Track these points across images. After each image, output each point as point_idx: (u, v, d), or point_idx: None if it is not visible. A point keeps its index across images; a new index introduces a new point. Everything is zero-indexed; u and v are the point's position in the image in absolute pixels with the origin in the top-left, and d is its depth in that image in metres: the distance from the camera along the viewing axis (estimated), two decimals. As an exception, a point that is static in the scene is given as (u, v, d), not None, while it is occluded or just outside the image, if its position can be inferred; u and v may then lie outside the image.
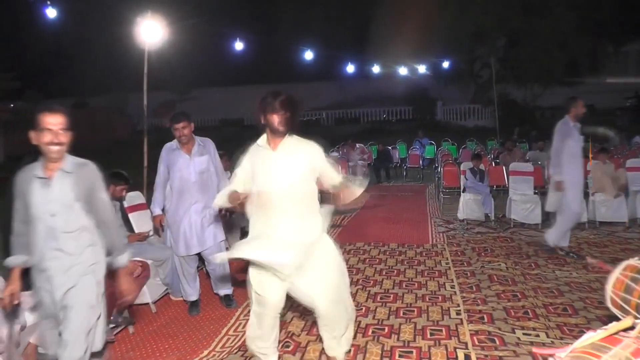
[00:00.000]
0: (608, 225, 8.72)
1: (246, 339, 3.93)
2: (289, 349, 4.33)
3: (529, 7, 23.39)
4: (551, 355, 1.94)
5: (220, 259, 4.73)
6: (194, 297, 5.51)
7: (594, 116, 25.45)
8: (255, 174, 3.60)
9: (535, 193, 9.39)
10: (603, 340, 1.81)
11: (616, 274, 1.93)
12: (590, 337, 1.85)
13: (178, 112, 5.31)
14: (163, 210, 5.43)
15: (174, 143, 5.30)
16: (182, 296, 5.73)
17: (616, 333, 1.83)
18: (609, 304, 1.94)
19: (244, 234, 7.60)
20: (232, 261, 4.18)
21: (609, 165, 9.22)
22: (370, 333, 4.67)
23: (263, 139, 3.63)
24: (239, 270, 4.19)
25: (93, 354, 3.42)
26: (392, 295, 5.67)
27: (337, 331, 3.82)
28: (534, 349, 2.28)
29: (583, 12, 23.01)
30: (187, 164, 5.19)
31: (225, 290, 5.63)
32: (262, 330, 3.73)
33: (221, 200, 3.66)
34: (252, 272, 3.64)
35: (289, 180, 3.51)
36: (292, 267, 3.41)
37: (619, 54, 27.55)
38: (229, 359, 4.24)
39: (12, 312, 3.80)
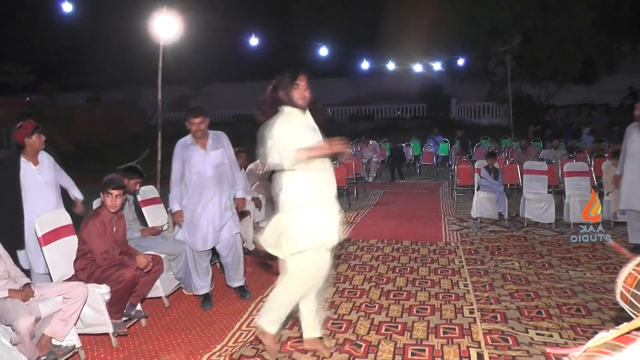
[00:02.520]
0: (622, 225, 8.64)
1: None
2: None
3: (545, 5, 23.19)
4: (565, 355, 1.92)
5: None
6: (204, 290, 5.53)
7: (609, 115, 25.31)
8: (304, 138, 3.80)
9: (549, 192, 9.34)
10: (616, 340, 1.80)
11: (629, 269, 1.90)
12: (603, 336, 1.84)
13: (195, 107, 5.38)
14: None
15: (188, 138, 5.31)
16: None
17: (629, 332, 1.81)
18: (618, 298, 1.92)
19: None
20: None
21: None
22: (383, 330, 4.66)
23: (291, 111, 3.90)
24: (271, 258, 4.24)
25: None
26: (405, 293, 5.66)
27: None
28: (548, 349, 2.27)
29: (600, 10, 22.80)
30: (203, 159, 5.21)
31: (239, 281, 5.67)
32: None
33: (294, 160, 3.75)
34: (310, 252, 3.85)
35: None
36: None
37: (636, 52, 27.26)
38: (241, 353, 4.24)
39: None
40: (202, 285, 5.52)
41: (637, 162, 7.17)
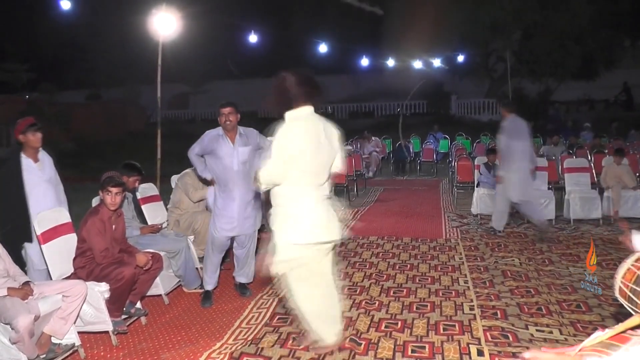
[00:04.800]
0: (622, 221, 8.66)
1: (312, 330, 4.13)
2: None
3: (544, 1, 23.15)
4: (561, 354, 1.92)
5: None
6: (209, 287, 5.55)
7: (608, 112, 25.30)
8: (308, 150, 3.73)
9: (549, 188, 9.33)
10: (612, 339, 1.79)
11: (628, 264, 1.90)
12: (599, 335, 1.84)
13: (227, 101, 5.38)
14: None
15: (219, 130, 5.31)
16: (195, 287, 5.76)
17: (625, 331, 1.81)
18: (617, 293, 1.92)
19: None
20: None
21: (624, 167, 9.13)
22: (383, 327, 4.65)
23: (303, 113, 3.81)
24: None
25: None
26: (405, 290, 5.66)
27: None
28: (543, 349, 2.26)
29: (599, 6, 22.76)
30: (230, 153, 5.22)
31: (245, 278, 5.70)
32: (327, 301, 4.09)
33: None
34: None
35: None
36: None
37: (636, 48, 27.23)
38: (241, 351, 4.24)
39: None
40: (210, 281, 5.55)
41: None
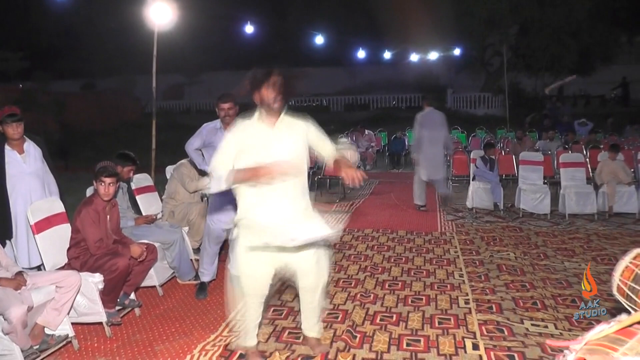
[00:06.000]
0: (618, 216, 8.67)
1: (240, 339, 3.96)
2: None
3: (542, -5, 23.16)
4: (565, 348, 1.90)
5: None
6: (206, 278, 5.52)
7: (604, 107, 25.33)
8: (249, 151, 3.45)
9: (544, 183, 9.34)
10: (618, 333, 1.77)
11: (626, 262, 1.88)
12: (604, 329, 1.82)
13: (226, 93, 5.31)
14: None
15: (217, 122, 5.28)
16: (189, 279, 5.74)
17: (631, 325, 1.79)
18: (615, 291, 1.90)
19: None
20: None
21: (619, 162, 9.14)
22: (378, 320, 4.64)
23: (256, 116, 3.60)
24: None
25: None
26: (400, 283, 5.64)
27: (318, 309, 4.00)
28: (548, 341, 2.25)
29: (597, 1, 22.74)
30: None
31: None
32: (252, 319, 3.83)
33: (225, 182, 3.44)
34: (242, 253, 3.59)
35: (289, 158, 3.40)
36: (300, 242, 3.28)
37: (633, 44, 27.26)
38: (236, 343, 4.21)
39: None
40: (206, 272, 5.52)
41: None
